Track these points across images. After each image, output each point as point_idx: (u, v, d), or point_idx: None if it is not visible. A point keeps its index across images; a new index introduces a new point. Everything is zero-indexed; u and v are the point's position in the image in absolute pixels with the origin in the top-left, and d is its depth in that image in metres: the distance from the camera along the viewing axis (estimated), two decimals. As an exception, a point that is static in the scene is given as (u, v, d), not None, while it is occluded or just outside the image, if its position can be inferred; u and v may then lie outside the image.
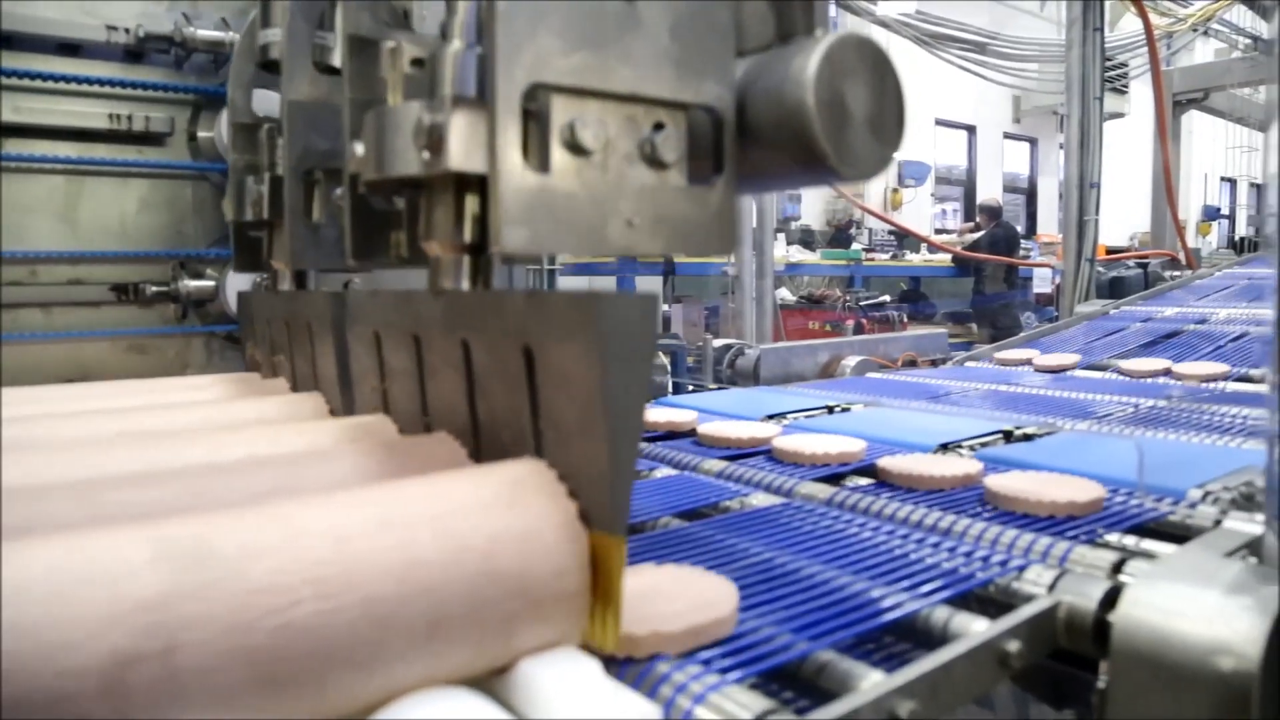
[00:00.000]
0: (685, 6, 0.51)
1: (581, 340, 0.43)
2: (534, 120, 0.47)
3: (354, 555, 0.39)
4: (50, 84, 1.29)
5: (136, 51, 1.35)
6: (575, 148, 0.47)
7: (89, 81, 1.32)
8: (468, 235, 0.50)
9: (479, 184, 0.48)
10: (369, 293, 0.69)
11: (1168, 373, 1.60)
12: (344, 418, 0.70)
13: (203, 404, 0.76)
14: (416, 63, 0.52)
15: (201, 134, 1.38)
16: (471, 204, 0.50)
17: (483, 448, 0.55)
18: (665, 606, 0.51)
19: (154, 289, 1.35)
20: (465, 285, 0.53)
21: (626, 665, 0.49)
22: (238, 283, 1.32)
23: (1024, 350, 1.94)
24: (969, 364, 1.95)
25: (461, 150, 0.46)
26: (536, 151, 0.47)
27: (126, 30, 1.33)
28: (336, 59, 0.76)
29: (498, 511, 0.44)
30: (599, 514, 0.45)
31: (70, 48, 1.32)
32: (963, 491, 0.83)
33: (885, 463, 0.89)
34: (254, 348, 0.97)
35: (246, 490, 0.50)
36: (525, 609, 0.43)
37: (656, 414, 1.19)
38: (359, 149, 0.54)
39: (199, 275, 1.36)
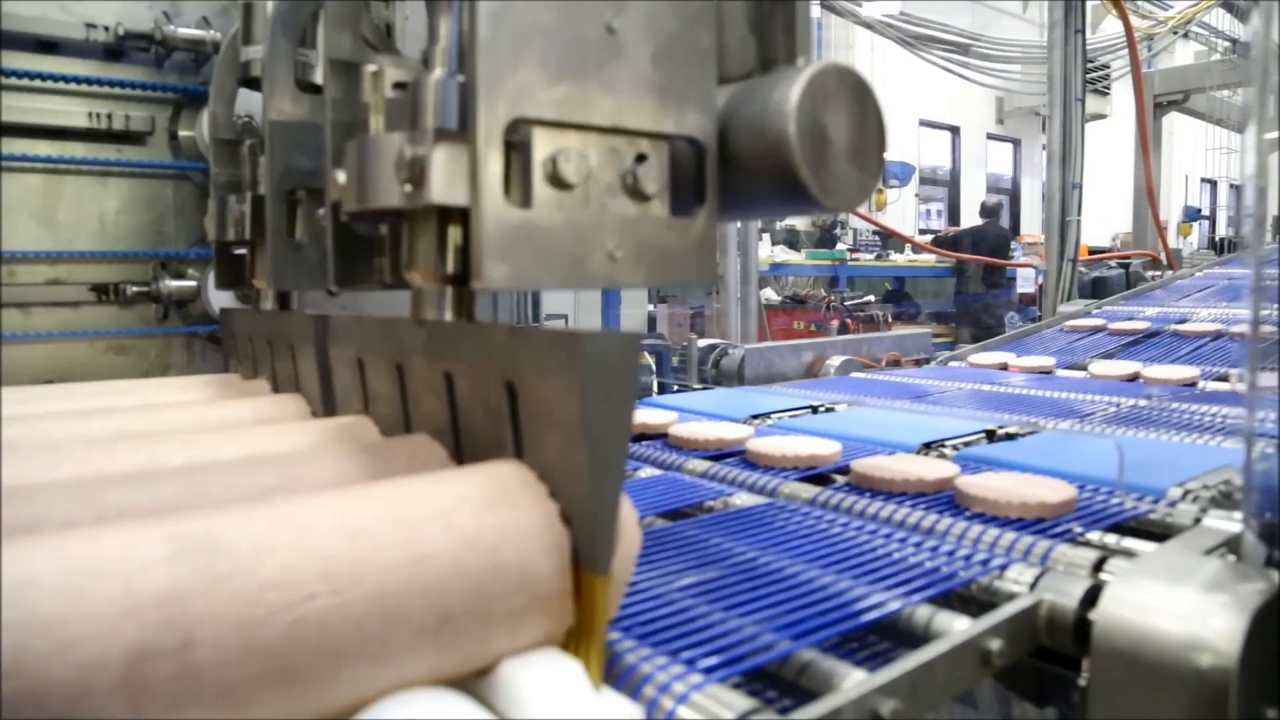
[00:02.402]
0: (666, 35, 0.51)
1: (564, 377, 0.43)
2: (516, 152, 0.47)
3: (364, 550, 0.40)
4: (28, 81, 1.27)
5: (116, 49, 1.34)
6: (557, 181, 0.47)
7: (68, 79, 1.30)
8: (450, 266, 0.50)
9: (461, 215, 0.48)
10: (352, 318, 0.68)
11: (1219, 335, 1.81)
12: (328, 418, 0.69)
13: (191, 404, 0.75)
14: (399, 86, 0.52)
15: (182, 133, 1.37)
16: (454, 235, 0.49)
17: None
18: (1028, 490, 0.77)
19: (134, 289, 1.34)
20: (448, 316, 0.52)
21: (612, 662, 0.49)
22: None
23: (1092, 319, 2.18)
24: (952, 364, 1.96)
25: (443, 183, 0.46)
26: (519, 184, 0.47)
27: (106, 28, 1.32)
28: (319, 77, 0.75)
29: (504, 508, 0.44)
30: (583, 551, 0.44)
31: (48, 45, 1.30)
32: (934, 496, 0.83)
33: (860, 465, 0.88)
34: (237, 364, 0.97)
35: (249, 488, 0.50)
36: (531, 604, 0.44)
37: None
38: (341, 177, 0.54)
39: (180, 275, 1.35)
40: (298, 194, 0.78)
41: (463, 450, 0.54)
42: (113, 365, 1.35)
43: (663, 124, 0.51)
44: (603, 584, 0.43)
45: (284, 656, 0.36)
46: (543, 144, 0.47)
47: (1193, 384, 1.51)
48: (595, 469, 0.42)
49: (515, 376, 0.47)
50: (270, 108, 0.77)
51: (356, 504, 0.42)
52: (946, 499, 0.81)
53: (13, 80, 1.25)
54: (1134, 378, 1.57)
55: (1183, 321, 2.06)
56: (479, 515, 0.43)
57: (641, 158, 0.51)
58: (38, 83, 1.28)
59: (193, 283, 1.34)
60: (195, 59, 1.37)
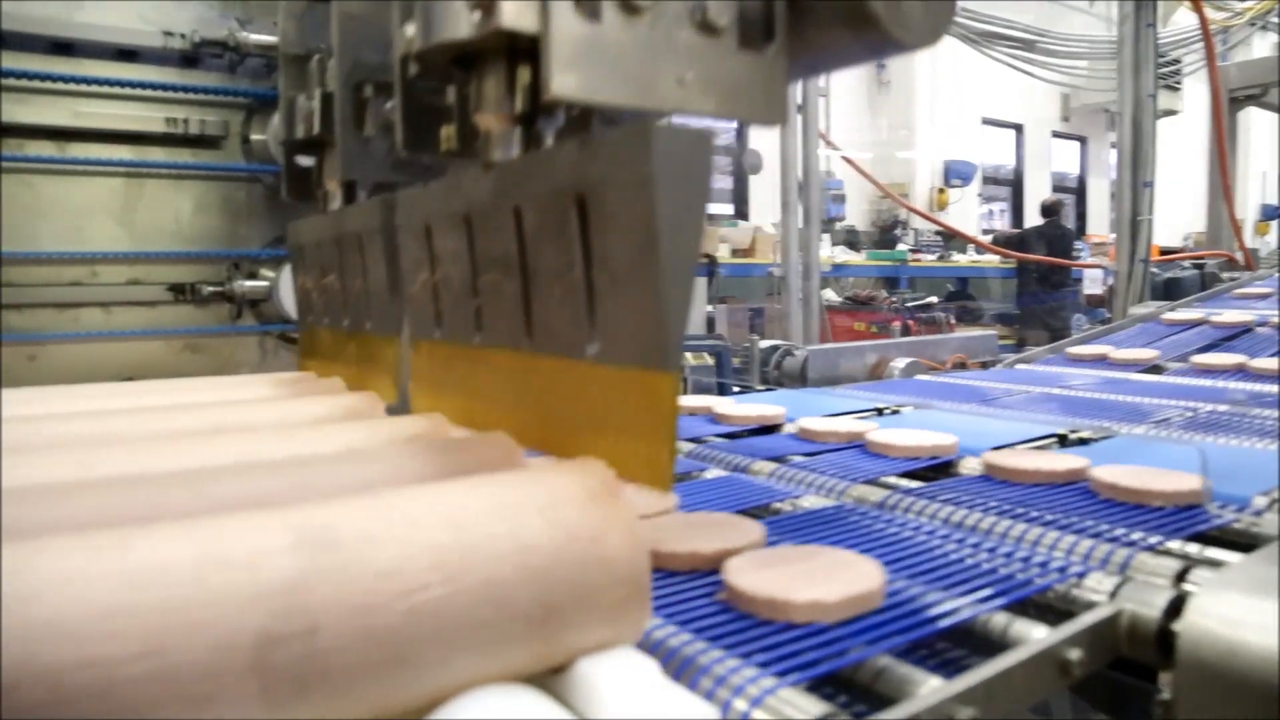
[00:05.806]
0: None
1: (635, 172, 0.43)
2: None
3: (471, 541, 0.41)
4: (109, 89, 1.32)
5: (192, 56, 1.38)
6: (627, 4, 0.46)
7: (146, 86, 1.34)
8: (519, 104, 0.50)
9: (530, 53, 0.47)
10: (417, 189, 0.69)
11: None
12: (403, 416, 0.70)
13: (269, 401, 0.77)
14: None
15: (255, 137, 1.41)
16: (523, 74, 0.49)
17: (534, 317, 0.55)
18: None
19: (210, 289, 1.37)
20: (516, 153, 0.53)
21: (685, 665, 0.48)
22: (290, 284, 1.34)
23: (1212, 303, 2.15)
24: (1019, 366, 1.92)
25: (513, 8, 0.46)
26: (586, 8, 0.46)
27: (182, 36, 1.36)
28: None
29: (604, 501, 0.45)
30: (653, 352, 0.44)
31: (128, 54, 1.34)
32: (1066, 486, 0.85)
33: (990, 457, 0.91)
34: (304, 276, 0.97)
35: (348, 481, 0.52)
36: (634, 595, 0.44)
37: (746, 408, 1.22)
38: (409, 30, 0.54)
39: (253, 275, 1.38)
40: (366, 91, 0.78)
41: (530, 293, 0.54)
42: (188, 363, 1.39)
43: None
44: (673, 381, 0.44)
45: (401, 644, 0.38)
46: None
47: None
48: (667, 264, 0.42)
49: (585, 188, 0.47)
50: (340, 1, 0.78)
51: (459, 497, 0.43)
52: (1080, 489, 0.83)
53: (95, 88, 1.29)
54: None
55: (1263, 324, 1.99)
56: (581, 508, 0.44)
57: None
58: (118, 90, 1.32)
59: (265, 283, 1.37)
60: (267, 65, 1.41)
